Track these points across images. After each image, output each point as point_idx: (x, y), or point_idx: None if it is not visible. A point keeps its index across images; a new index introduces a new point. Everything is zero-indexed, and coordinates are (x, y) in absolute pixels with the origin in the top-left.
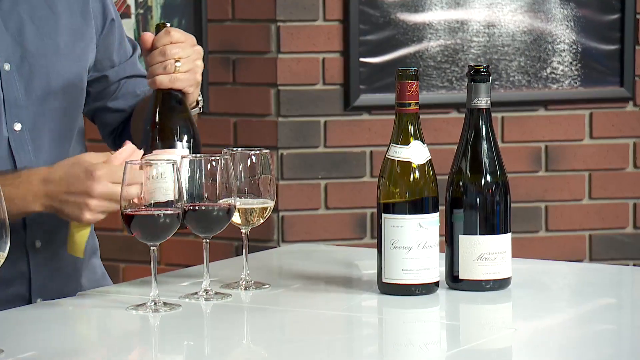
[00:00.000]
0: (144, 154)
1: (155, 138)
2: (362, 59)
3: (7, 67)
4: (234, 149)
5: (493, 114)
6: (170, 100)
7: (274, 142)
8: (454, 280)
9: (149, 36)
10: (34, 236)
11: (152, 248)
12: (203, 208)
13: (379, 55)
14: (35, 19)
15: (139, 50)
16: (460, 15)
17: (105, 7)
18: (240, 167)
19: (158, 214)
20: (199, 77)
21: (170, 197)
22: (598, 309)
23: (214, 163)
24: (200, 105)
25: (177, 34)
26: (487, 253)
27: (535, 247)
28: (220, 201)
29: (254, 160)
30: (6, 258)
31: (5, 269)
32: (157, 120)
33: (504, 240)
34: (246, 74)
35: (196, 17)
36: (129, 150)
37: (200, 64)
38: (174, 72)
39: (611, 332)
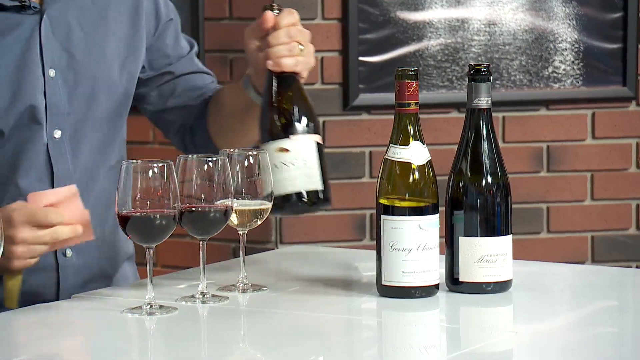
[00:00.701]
0: (264, 142)
1: (290, 123)
2: (361, 58)
3: (52, 73)
4: (232, 149)
5: (494, 114)
6: (292, 83)
7: None
8: (454, 282)
9: (270, 15)
10: None
11: (148, 250)
12: (200, 209)
13: (379, 54)
14: (84, 25)
15: (196, 48)
16: (460, 14)
17: (158, 9)
18: (238, 167)
19: (154, 216)
20: (313, 61)
21: (315, 185)
22: (600, 312)
23: (210, 164)
24: None
25: (297, 15)
26: (487, 255)
27: (536, 249)
28: (217, 202)
29: (251, 160)
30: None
31: (34, 278)
32: (285, 104)
33: (504, 242)
34: (243, 73)
35: (193, 15)
36: (60, 193)
37: (312, 47)
38: (297, 55)
39: (613, 335)
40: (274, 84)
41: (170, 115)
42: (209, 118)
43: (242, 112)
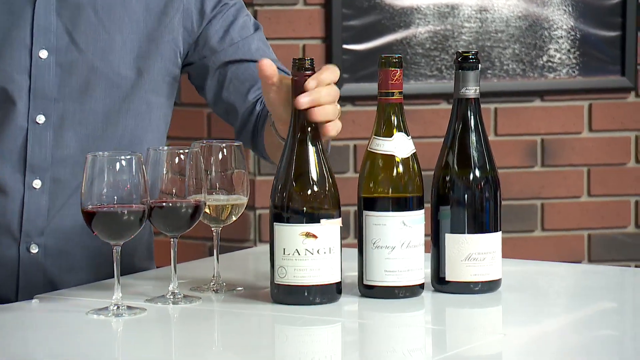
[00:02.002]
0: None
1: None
2: (345, 46)
3: (43, 54)
4: (204, 141)
5: (485, 105)
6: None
7: None
8: (440, 282)
9: (268, 65)
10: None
11: (115, 248)
12: (170, 205)
13: (364, 41)
14: (97, 9)
15: (260, 32)
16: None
17: (203, 3)
18: (211, 160)
19: (121, 211)
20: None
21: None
22: (597, 314)
23: (182, 156)
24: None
25: (338, 72)
26: (475, 253)
27: (530, 248)
28: (189, 197)
29: (225, 153)
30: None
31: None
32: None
33: (493, 240)
34: None
35: None
36: None
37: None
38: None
39: (612, 338)
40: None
41: (225, 110)
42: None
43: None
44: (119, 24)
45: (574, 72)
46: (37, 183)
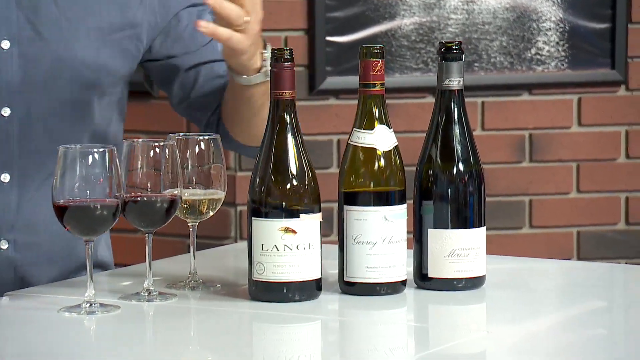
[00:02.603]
0: None
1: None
2: (328, 38)
3: (5, 45)
4: (181, 134)
5: (472, 99)
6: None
7: None
8: (423, 278)
9: None
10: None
11: (87, 243)
12: (145, 199)
13: (347, 33)
14: (59, 0)
15: None
16: None
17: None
18: (188, 154)
19: (94, 206)
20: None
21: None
22: (585, 311)
23: (157, 149)
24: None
25: None
26: (459, 249)
27: (518, 245)
28: (165, 192)
29: (202, 147)
30: None
31: None
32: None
33: (477, 235)
34: None
35: None
36: None
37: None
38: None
39: (602, 338)
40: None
41: (195, 107)
42: (222, 111)
43: (236, 99)
44: (81, 14)
45: (563, 65)
46: (5, 177)
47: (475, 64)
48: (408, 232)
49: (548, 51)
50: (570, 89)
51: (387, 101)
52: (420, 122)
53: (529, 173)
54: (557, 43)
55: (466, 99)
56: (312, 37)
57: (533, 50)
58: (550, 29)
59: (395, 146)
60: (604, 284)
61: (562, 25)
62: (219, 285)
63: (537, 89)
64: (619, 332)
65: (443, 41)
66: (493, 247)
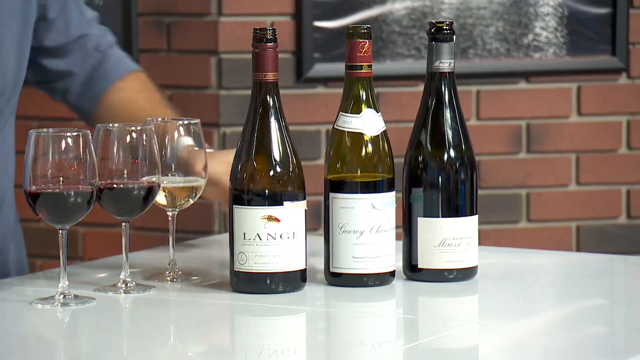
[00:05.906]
0: None
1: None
2: (316, 23)
3: None
4: (159, 119)
5: (467, 87)
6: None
7: (215, 119)
8: (412, 269)
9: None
10: None
11: (60, 232)
12: (121, 186)
13: (336, 18)
14: None
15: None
16: None
17: None
18: (167, 139)
19: (67, 193)
20: None
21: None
22: (582, 305)
23: (134, 134)
24: None
25: None
26: (450, 238)
27: (515, 239)
28: (143, 179)
29: (182, 132)
30: None
31: None
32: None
33: (469, 224)
34: (183, 40)
35: None
36: None
37: None
38: None
39: (602, 334)
40: None
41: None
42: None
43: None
44: None
45: (562, 51)
46: None
47: (470, 51)
48: (397, 225)
49: (546, 37)
50: (569, 76)
51: (378, 89)
52: (412, 110)
53: (526, 165)
54: (556, 29)
55: (460, 87)
56: (300, 22)
57: (530, 36)
58: (548, 14)
59: (384, 131)
60: (604, 276)
61: (560, 10)
62: (196, 278)
63: (534, 77)
64: (620, 328)
65: (433, 21)
66: (489, 242)
